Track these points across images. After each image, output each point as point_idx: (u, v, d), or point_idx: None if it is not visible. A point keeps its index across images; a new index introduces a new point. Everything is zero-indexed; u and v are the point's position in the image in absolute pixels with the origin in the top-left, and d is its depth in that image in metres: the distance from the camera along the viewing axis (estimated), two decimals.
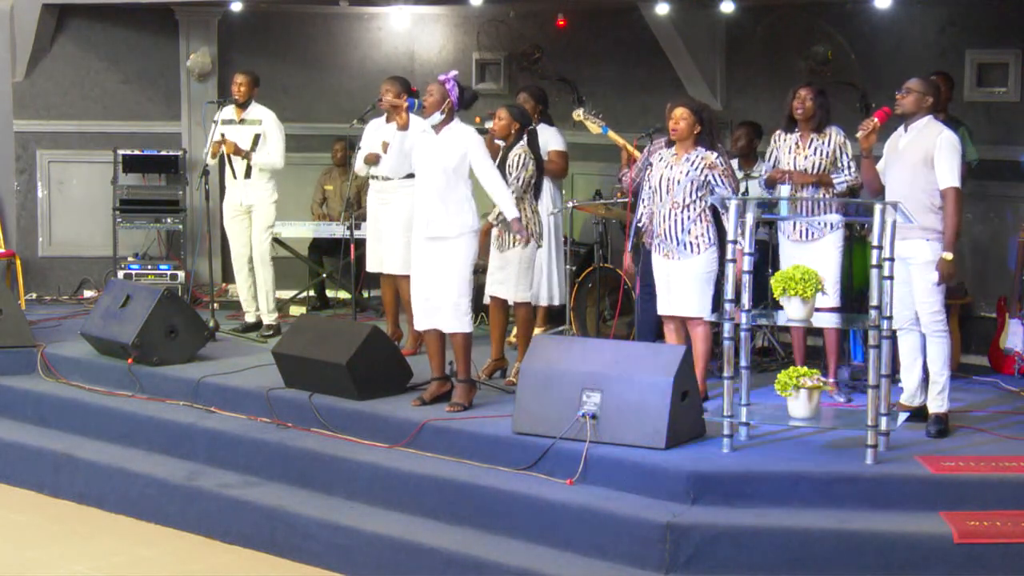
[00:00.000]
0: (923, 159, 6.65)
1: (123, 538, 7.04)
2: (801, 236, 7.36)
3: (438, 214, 7.06)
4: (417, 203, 7.20)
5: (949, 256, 6.60)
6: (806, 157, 7.37)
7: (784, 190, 7.30)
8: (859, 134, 6.76)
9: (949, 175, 6.63)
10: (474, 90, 7.44)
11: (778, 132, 7.54)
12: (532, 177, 7.59)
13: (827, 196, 7.27)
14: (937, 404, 6.75)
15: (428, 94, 7.09)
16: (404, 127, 7.14)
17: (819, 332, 7.73)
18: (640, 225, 7.35)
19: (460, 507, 6.47)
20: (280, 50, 11.07)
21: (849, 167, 7.35)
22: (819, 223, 7.29)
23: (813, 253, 7.23)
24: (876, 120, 6.75)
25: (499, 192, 7.14)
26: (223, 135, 9.04)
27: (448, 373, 7.41)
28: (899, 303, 6.73)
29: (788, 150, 7.44)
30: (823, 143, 7.36)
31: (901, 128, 6.83)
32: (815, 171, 7.33)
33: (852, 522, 5.93)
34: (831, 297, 7.16)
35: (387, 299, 8.79)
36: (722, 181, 7.08)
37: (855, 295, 7.84)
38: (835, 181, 7.34)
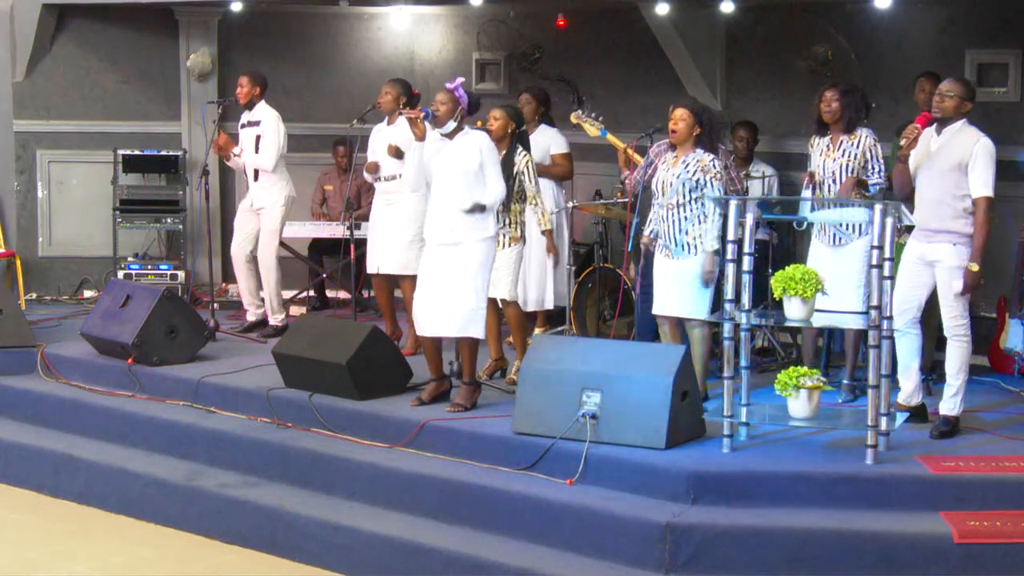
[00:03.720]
0: (957, 165, 6.58)
1: (123, 538, 7.05)
2: (830, 241, 7.33)
3: (461, 220, 7.05)
4: (433, 209, 7.19)
5: (975, 267, 6.54)
6: (835, 160, 7.33)
7: (806, 194, 7.29)
8: (903, 142, 6.69)
9: (983, 184, 6.56)
10: (477, 95, 7.47)
11: (813, 138, 7.50)
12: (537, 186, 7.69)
13: (858, 199, 7.23)
14: (949, 407, 6.72)
15: (439, 103, 7.10)
16: (421, 138, 7.15)
17: (821, 332, 7.73)
18: (651, 232, 7.34)
19: (460, 507, 6.47)
20: (280, 50, 11.06)
21: (880, 171, 7.29)
22: (846, 227, 7.26)
23: (841, 258, 7.21)
24: (919, 127, 6.69)
25: (491, 194, 7.11)
26: (219, 133, 9.09)
27: (449, 373, 7.41)
28: (902, 303, 6.73)
29: (819, 153, 7.42)
30: (852, 145, 7.32)
31: (932, 129, 6.73)
32: (843, 173, 7.30)
33: (852, 522, 5.93)
34: (857, 302, 7.12)
35: (382, 300, 8.78)
36: (712, 184, 7.06)
37: None
38: (870, 182, 7.29)
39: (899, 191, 6.89)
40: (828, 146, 7.40)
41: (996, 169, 6.73)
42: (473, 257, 7.04)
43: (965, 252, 6.60)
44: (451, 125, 7.11)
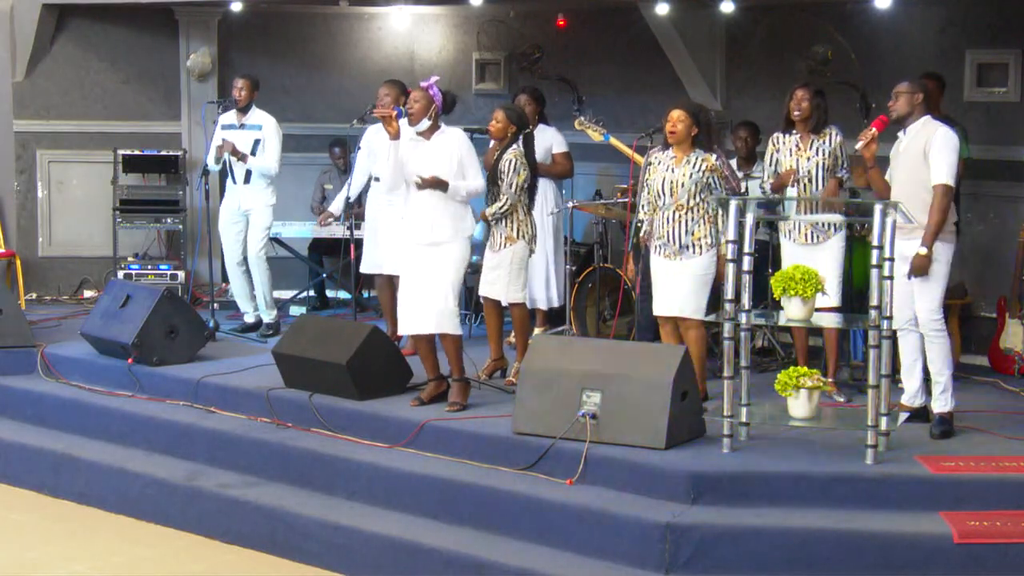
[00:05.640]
0: (923, 157, 6.62)
1: (123, 538, 7.05)
2: (807, 239, 7.36)
3: (438, 219, 7.07)
4: (412, 210, 7.19)
5: (924, 251, 6.55)
6: (809, 159, 7.37)
7: (791, 192, 7.32)
8: (858, 145, 6.73)
9: (939, 171, 6.57)
10: (453, 94, 7.45)
11: (775, 135, 7.54)
12: (526, 182, 7.58)
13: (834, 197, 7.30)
14: (940, 404, 6.73)
15: (413, 101, 7.12)
16: (395, 136, 7.16)
17: (818, 332, 7.74)
18: (640, 228, 7.34)
19: (460, 507, 6.47)
20: (280, 50, 11.07)
21: (846, 165, 7.41)
22: (824, 225, 7.29)
23: (817, 255, 7.23)
24: (874, 130, 6.73)
25: (471, 185, 7.13)
26: (223, 140, 9.06)
27: (445, 373, 7.41)
28: (899, 302, 6.73)
29: (789, 152, 7.44)
30: (824, 143, 7.38)
31: (901, 132, 6.81)
32: (820, 171, 7.33)
33: (852, 522, 5.93)
34: (832, 298, 7.17)
35: (384, 300, 8.79)
36: (720, 184, 7.09)
37: (854, 295, 7.84)
38: (844, 179, 7.40)
39: (877, 197, 6.90)
40: (798, 145, 7.43)
41: (997, 169, 6.72)
42: (451, 257, 7.10)
43: (940, 247, 6.61)
44: (425, 123, 7.13)
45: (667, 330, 7.31)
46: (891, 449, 6.41)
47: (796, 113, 7.39)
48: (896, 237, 6.60)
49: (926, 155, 6.60)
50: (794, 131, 7.45)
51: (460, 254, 7.15)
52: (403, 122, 7.23)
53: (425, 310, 7.11)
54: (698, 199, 7.09)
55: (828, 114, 7.47)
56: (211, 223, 9.78)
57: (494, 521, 6.33)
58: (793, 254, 7.37)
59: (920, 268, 6.58)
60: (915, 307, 6.73)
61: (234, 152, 9.01)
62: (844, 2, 9.13)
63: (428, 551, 6.21)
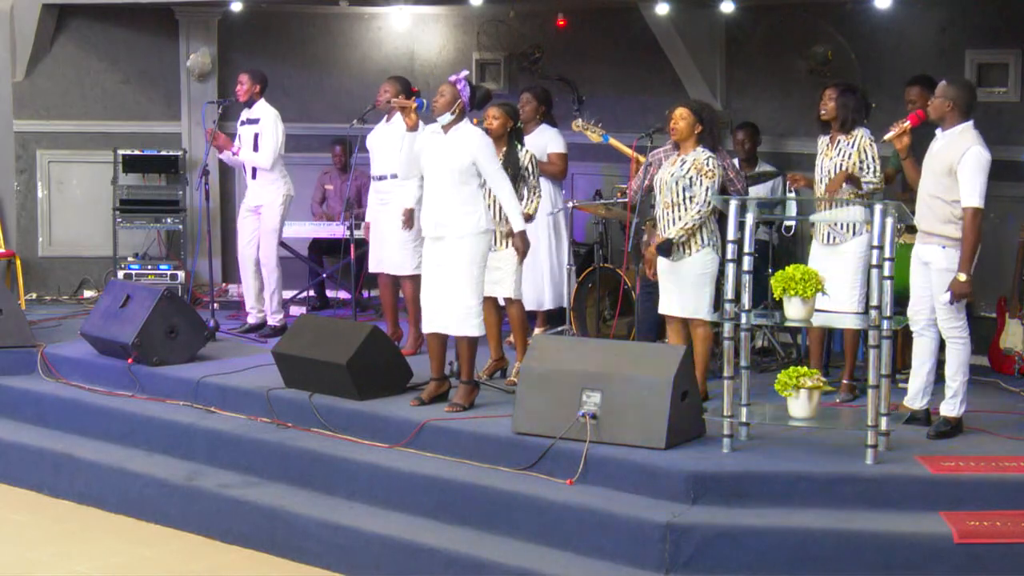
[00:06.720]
0: (947, 169, 6.55)
1: (123, 538, 7.05)
2: (824, 240, 7.35)
3: (448, 214, 7.04)
4: (425, 204, 7.18)
5: (963, 277, 6.47)
6: (831, 159, 7.37)
7: (791, 194, 7.33)
8: (887, 136, 6.73)
9: (969, 193, 6.48)
10: (486, 88, 7.44)
11: (820, 136, 7.55)
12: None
13: (848, 198, 7.25)
14: (949, 408, 6.71)
15: (439, 95, 7.08)
16: (413, 128, 7.12)
17: (824, 333, 7.71)
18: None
19: (460, 507, 6.47)
20: (280, 50, 11.07)
21: (874, 171, 7.29)
22: (841, 227, 7.27)
23: (838, 257, 7.23)
24: (907, 123, 6.71)
25: (509, 200, 7.11)
26: (214, 131, 9.10)
27: (448, 373, 7.41)
28: (915, 304, 6.73)
29: (820, 152, 7.46)
30: (848, 144, 7.33)
31: (939, 130, 6.73)
32: (838, 171, 7.31)
33: (852, 522, 5.93)
34: (852, 302, 7.14)
35: (385, 299, 8.79)
36: (702, 182, 7.03)
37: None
38: (863, 179, 7.29)
39: (913, 186, 6.91)
40: (827, 146, 7.43)
41: (997, 169, 6.70)
42: (461, 253, 7.03)
43: (954, 255, 6.56)
44: (447, 118, 7.09)
45: (673, 328, 7.30)
46: (891, 449, 6.41)
47: (823, 113, 7.38)
48: (918, 241, 6.69)
49: (952, 170, 6.53)
50: (829, 130, 7.45)
51: (472, 249, 7.02)
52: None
53: (447, 310, 7.07)
54: (682, 197, 7.08)
55: (859, 114, 7.39)
56: (211, 223, 9.77)
57: (494, 521, 6.33)
58: (816, 254, 7.37)
59: (961, 294, 6.50)
60: (936, 312, 6.69)
61: (215, 141, 9.04)
62: (844, 2, 9.13)
63: (428, 551, 6.21)
